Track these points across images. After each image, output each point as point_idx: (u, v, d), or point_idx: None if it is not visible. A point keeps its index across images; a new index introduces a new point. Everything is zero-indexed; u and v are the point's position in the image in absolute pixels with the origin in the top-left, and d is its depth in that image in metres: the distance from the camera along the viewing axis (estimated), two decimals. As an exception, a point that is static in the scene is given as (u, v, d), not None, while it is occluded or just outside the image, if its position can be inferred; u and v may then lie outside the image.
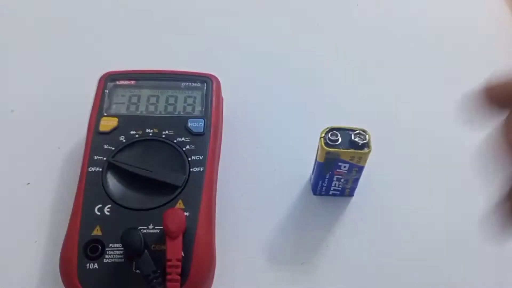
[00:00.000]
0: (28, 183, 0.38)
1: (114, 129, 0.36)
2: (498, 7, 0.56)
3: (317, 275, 0.34)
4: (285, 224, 0.37)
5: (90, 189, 0.33)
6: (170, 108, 0.38)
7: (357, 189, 0.38)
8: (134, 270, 0.30)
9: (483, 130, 0.23)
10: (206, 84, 0.40)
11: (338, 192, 0.38)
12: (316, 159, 0.36)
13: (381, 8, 0.55)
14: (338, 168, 0.35)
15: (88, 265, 0.30)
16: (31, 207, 0.37)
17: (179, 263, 0.28)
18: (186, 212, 0.32)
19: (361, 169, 0.35)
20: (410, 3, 0.56)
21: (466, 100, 0.23)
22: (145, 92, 0.39)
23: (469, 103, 0.22)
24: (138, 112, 0.38)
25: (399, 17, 0.54)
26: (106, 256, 0.30)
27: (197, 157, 0.35)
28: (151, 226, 0.31)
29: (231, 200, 0.38)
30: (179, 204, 0.33)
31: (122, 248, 0.30)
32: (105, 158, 0.35)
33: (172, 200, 0.33)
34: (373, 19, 0.54)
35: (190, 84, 0.40)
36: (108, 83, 0.39)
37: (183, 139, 0.36)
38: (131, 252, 0.29)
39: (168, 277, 0.28)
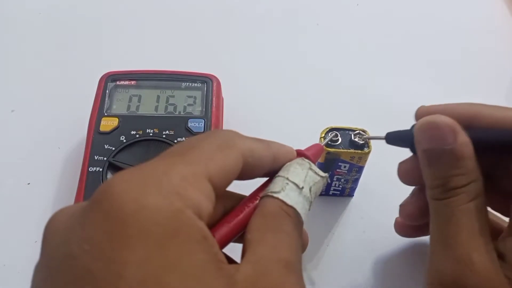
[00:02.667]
0: (28, 183, 0.38)
1: (115, 129, 0.36)
2: (498, 7, 0.56)
3: (317, 274, 0.34)
4: (285, 224, 0.37)
5: (90, 189, 0.33)
6: (170, 108, 0.38)
7: (357, 189, 0.38)
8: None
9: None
10: (206, 84, 0.40)
11: (338, 192, 0.38)
12: (316, 159, 0.36)
13: (381, 8, 0.55)
14: (338, 168, 0.35)
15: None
16: (31, 207, 0.37)
17: None
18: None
19: (361, 169, 0.35)
20: (409, 3, 0.56)
21: None
22: (145, 92, 0.39)
23: None
24: (139, 112, 0.38)
25: (399, 17, 0.54)
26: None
27: (198, 157, 0.35)
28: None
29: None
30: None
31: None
32: (105, 158, 0.35)
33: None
34: (373, 19, 0.54)
35: (190, 84, 0.40)
36: (109, 83, 0.39)
37: (183, 139, 0.36)
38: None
39: None
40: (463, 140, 0.25)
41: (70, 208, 0.18)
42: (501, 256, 0.24)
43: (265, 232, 0.20)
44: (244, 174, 0.21)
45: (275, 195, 0.21)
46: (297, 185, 0.22)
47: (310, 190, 0.23)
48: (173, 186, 0.17)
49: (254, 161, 0.21)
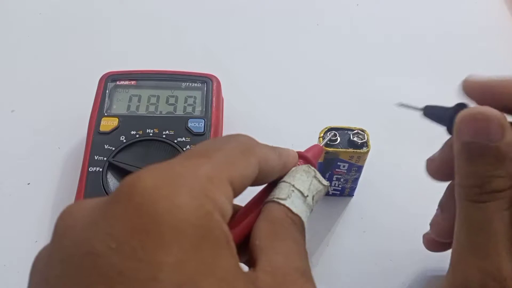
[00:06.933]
0: (29, 183, 0.38)
1: (115, 129, 0.36)
2: (498, 7, 0.56)
3: (317, 274, 0.34)
4: (285, 224, 0.37)
5: (90, 189, 0.33)
6: (170, 108, 0.38)
7: (357, 189, 0.38)
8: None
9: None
10: (206, 84, 0.40)
11: (338, 192, 0.38)
12: (316, 159, 0.36)
13: (381, 8, 0.55)
14: (337, 167, 0.35)
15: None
16: (31, 207, 0.37)
17: None
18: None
19: (360, 168, 0.35)
20: (409, 3, 0.56)
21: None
22: (145, 92, 0.39)
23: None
24: (139, 112, 0.38)
25: (398, 17, 0.54)
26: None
27: (197, 157, 0.35)
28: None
29: (231, 200, 0.38)
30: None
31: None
32: (105, 158, 0.35)
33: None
34: (373, 19, 0.54)
35: (190, 84, 0.40)
36: (109, 83, 0.39)
37: (183, 139, 0.36)
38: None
39: None
40: (510, 138, 0.22)
41: (87, 202, 0.17)
42: None
43: (274, 239, 0.20)
44: (256, 181, 0.21)
45: (281, 201, 0.21)
46: (302, 193, 0.22)
47: (313, 198, 0.23)
48: (202, 187, 0.17)
49: (267, 169, 0.21)
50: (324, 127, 0.34)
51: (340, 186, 0.37)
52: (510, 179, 0.23)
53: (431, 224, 0.30)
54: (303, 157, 0.25)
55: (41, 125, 0.42)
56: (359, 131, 0.34)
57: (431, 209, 0.38)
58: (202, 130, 0.37)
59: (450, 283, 0.24)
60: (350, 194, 0.38)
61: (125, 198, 0.16)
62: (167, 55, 0.49)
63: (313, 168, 0.24)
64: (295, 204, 0.21)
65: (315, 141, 0.35)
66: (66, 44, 0.49)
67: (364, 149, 0.33)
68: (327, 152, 0.33)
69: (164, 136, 0.36)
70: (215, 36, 0.51)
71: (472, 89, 0.25)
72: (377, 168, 0.37)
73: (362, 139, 0.33)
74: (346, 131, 0.34)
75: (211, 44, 0.50)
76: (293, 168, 0.23)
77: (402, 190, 0.39)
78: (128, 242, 0.15)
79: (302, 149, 0.26)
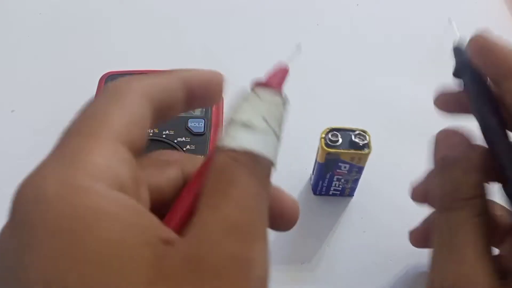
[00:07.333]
0: (28, 183, 0.38)
1: (115, 129, 0.36)
2: (498, 8, 0.56)
3: (318, 274, 0.34)
4: (285, 224, 0.37)
5: (90, 189, 0.33)
6: (170, 108, 0.38)
7: (357, 189, 0.38)
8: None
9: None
10: (206, 84, 0.40)
11: (338, 192, 0.38)
12: (316, 160, 0.36)
13: (381, 8, 0.55)
14: (338, 168, 0.35)
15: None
16: (32, 207, 0.37)
17: None
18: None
19: (361, 169, 0.35)
20: (409, 3, 0.56)
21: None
22: (145, 92, 0.39)
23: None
24: (138, 112, 0.38)
25: (398, 17, 0.54)
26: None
27: (198, 157, 0.35)
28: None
29: (231, 200, 0.38)
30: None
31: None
32: (105, 158, 0.35)
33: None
34: (373, 19, 0.54)
35: (190, 84, 0.40)
36: (109, 83, 0.39)
37: (183, 139, 0.36)
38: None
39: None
40: (478, 150, 0.25)
41: None
42: (503, 273, 0.24)
43: (213, 193, 0.16)
44: (160, 115, 0.19)
45: (220, 144, 0.17)
46: (246, 122, 0.18)
47: (266, 121, 0.18)
48: (74, 166, 0.15)
49: (162, 97, 0.18)
50: (325, 127, 0.34)
51: (340, 186, 0.37)
52: (478, 189, 0.25)
53: (410, 233, 0.33)
54: (258, 84, 0.21)
55: (41, 125, 0.42)
56: (361, 132, 0.34)
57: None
58: (202, 130, 0.37)
59: (429, 284, 0.25)
60: (350, 194, 0.38)
61: (9, 213, 0.15)
62: (167, 55, 0.49)
63: (254, 90, 0.20)
64: (238, 139, 0.17)
65: (316, 142, 0.35)
66: (66, 44, 0.49)
67: (366, 151, 0.33)
68: (328, 153, 0.33)
69: (164, 136, 0.36)
70: (215, 36, 0.51)
71: (475, 51, 0.28)
72: (377, 168, 0.37)
73: (363, 140, 0.33)
74: (347, 132, 0.34)
75: (211, 44, 0.50)
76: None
77: (402, 190, 0.39)
78: (6, 260, 0.14)
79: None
